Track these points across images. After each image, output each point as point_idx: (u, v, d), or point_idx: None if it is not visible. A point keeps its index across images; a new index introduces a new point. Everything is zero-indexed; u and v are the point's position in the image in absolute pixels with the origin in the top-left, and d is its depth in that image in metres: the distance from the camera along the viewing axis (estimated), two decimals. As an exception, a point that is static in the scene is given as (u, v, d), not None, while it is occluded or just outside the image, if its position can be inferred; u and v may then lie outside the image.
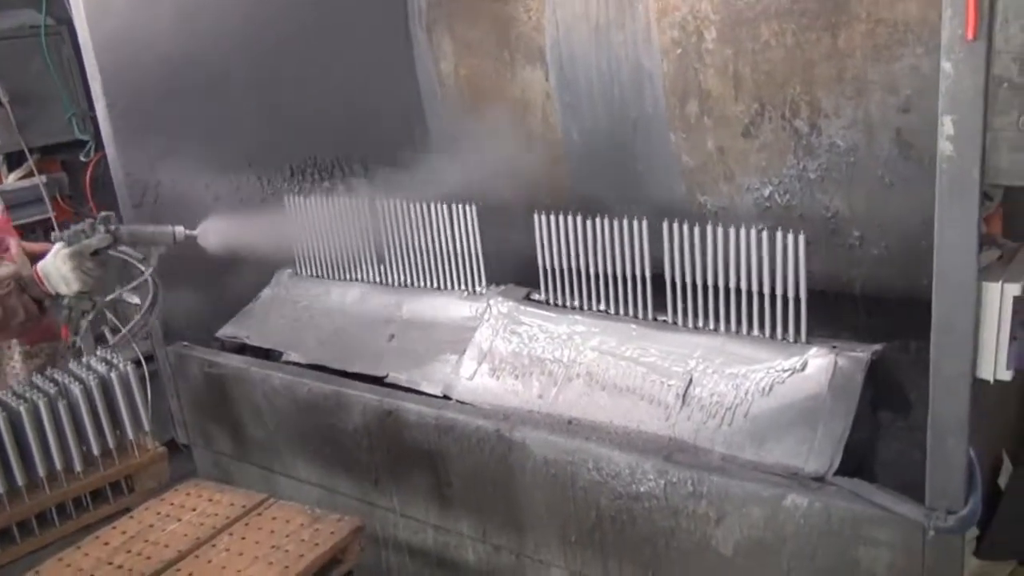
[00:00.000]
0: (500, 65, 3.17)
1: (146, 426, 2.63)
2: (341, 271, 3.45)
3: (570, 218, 2.80)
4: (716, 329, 2.64)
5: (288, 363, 3.32)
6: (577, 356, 2.76)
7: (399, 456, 2.92)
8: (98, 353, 2.74)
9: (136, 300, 2.78)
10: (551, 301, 2.92)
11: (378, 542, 3.10)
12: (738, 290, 2.55)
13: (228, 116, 3.46)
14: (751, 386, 2.47)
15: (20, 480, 2.46)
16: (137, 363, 2.82)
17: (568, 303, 2.89)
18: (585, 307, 2.87)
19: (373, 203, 3.21)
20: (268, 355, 3.40)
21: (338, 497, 3.11)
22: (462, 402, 2.84)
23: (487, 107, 3.23)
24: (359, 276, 3.41)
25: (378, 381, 3.07)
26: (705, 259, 2.57)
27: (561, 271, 2.89)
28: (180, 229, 2.92)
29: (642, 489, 2.45)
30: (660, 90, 2.86)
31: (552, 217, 2.82)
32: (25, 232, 3.80)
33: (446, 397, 2.89)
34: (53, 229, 3.35)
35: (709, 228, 2.54)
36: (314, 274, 3.54)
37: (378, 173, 3.50)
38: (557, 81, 3.02)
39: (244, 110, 3.46)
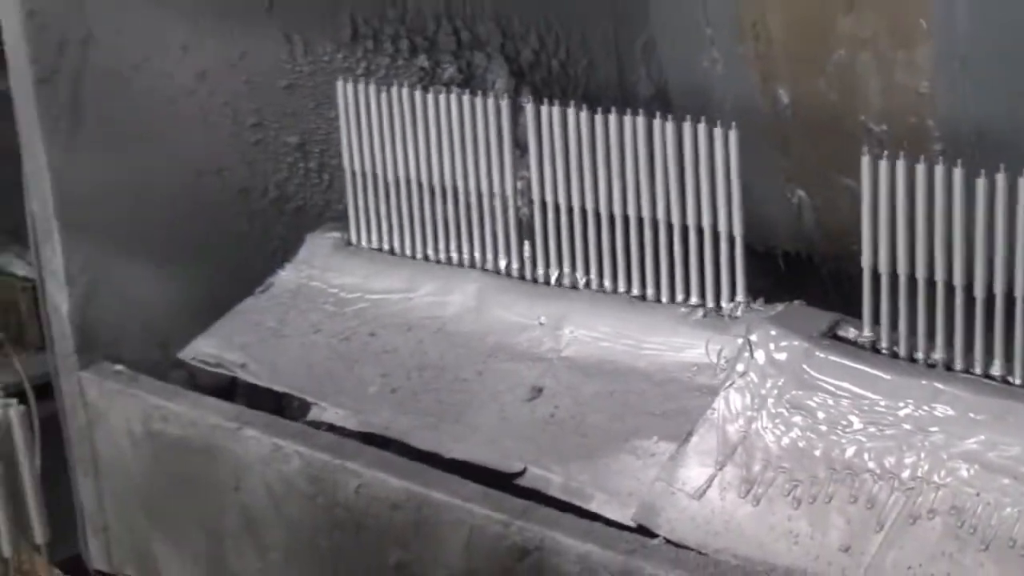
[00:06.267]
0: None
1: (39, 536, 2.48)
2: (440, 243, 2.81)
3: (950, 169, 2.10)
4: None
5: (319, 426, 2.70)
6: (936, 468, 2.22)
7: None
8: None
9: None
10: (886, 346, 2.31)
11: None
12: None
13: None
14: None
15: None
16: (19, 399, 2.54)
17: (921, 352, 2.27)
18: (958, 362, 2.24)
19: (516, 105, 2.63)
20: (280, 406, 2.80)
21: None
22: (676, 544, 2.29)
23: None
24: (476, 257, 2.76)
25: (504, 481, 2.46)
26: None
27: (912, 281, 2.23)
28: None
29: None
30: None
31: (891, 164, 2.18)
32: None
33: (643, 530, 2.34)
34: None
35: None
36: (383, 246, 2.90)
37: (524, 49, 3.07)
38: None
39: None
